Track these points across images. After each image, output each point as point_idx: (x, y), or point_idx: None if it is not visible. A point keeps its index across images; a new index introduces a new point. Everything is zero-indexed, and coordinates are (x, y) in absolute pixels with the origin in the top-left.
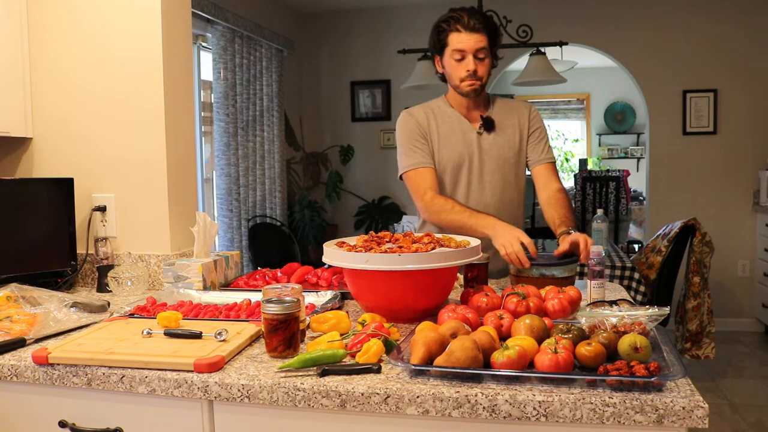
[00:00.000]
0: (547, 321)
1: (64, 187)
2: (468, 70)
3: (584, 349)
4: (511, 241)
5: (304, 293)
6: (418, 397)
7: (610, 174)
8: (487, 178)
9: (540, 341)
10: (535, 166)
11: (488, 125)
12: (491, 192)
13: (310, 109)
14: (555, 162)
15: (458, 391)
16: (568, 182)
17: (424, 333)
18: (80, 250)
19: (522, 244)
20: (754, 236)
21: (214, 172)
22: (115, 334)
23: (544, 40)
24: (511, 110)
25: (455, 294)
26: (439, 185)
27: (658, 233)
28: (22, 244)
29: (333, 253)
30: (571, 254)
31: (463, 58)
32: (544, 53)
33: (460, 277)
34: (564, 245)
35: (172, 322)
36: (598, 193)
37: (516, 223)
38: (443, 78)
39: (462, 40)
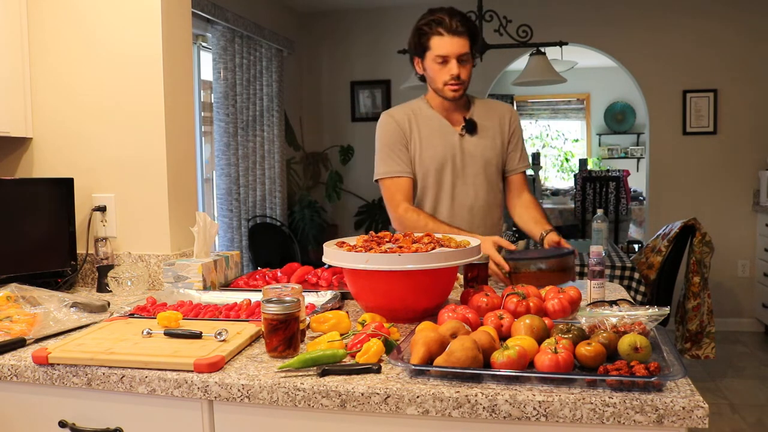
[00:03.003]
0: (547, 321)
1: (64, 187)
2: (452, 75)
3: (584, 349)
4: (493, 258)
5: (304, 293)
6: (418, 397)
7: (610, 174)
8: (470, 180)
9: (540, 341)
10: (510, 175)
11: (470, 128)
12: (475, 194)
13: (310, 109)
14: (528, 167)
15: (458, 391)
16: (568, 182)
17: (424, 333)
18: (80, 250)
19: (500, 247)
20: (754, 236)
21: (214, 172)
22: (115, 334)
23: (544, 40)
24: (491, 111)
25: (455, 294)
26: (424, 188)
27: (658, 233)
28: (22, 244)
29: (333, 253)
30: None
31: (445, 63)
32: (544, 53)
33: (460, 277)
34: (554, 238)
35: (172, 322)
36: (598, 193)
37: (497, 223)
38: (423, 78)
39: (445, 44)
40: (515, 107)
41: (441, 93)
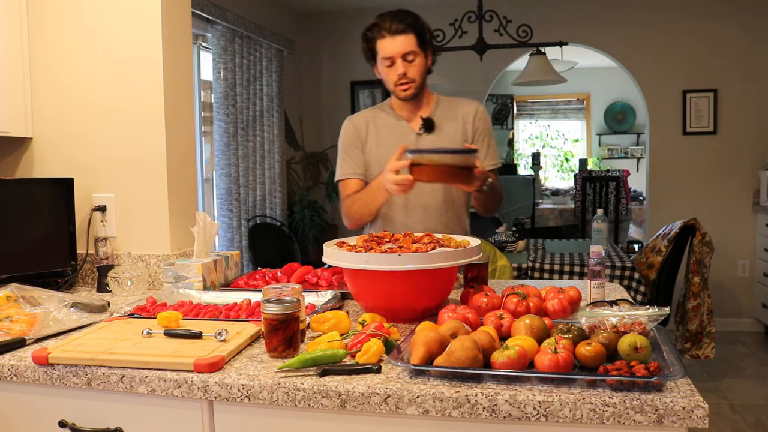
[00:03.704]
0: (547, 321)
1: (64, 187)
2: (398, 74)
3: (584, 349)
4: (392, 168)
5: (304, 293)
6: (418, 397)
7: (610, 174)
8: None
9: (540, 341)
10: None
11: (428, 126)
12: (432, 192)
13: (310, 109)
14: (497, 167)
15: (458, 391)
16: (568, 182)
17: (424, 333)
18: (80, 250)
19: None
20: (754, 236)
21: (214, 172)
22: (115, 334)
23: (544, 40)
24: (455, 108)
25: (455, 294)
26: None
27: (658, 233)
28: (22, 244)
29: (333, 253)
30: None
31: (392, 64)
32: (544, 53)
33: (460, 277)
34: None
35: (172, 322)
36: (598, 193)
37: (457, 221)
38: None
39: (387, 46)
40: (515, 107)
41: (395, 94)
